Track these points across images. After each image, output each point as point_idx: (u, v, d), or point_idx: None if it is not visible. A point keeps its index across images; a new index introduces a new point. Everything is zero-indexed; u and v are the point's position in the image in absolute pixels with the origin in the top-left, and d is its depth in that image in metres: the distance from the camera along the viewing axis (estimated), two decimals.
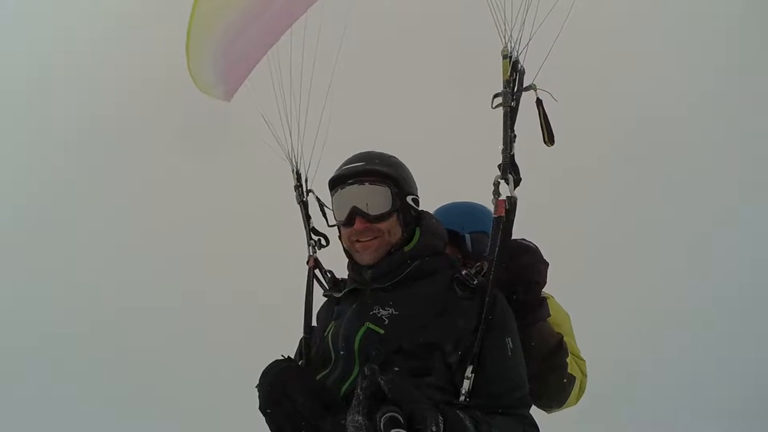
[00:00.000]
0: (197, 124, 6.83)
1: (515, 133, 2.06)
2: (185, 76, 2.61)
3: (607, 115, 7.13)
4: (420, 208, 2.22)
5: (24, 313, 5.98)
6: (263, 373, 1.97)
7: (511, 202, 2.04)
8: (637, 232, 7.23)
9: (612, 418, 6.19)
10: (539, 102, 2.06)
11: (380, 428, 1.56)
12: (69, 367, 5.24)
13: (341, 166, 2.18)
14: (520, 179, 2.07)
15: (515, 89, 2.06)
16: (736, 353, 6.77)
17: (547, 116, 2.06)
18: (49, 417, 5.03)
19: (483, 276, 2.05)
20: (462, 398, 1.84)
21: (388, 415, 1.58)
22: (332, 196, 2.16)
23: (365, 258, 2.07)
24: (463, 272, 2.06)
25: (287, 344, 2.25)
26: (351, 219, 2.07)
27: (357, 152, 2.21)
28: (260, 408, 1.92)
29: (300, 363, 2.20)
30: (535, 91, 2.07)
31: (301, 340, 2.28)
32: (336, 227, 2.24)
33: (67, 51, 7.53)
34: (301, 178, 2.58)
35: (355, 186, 2.08)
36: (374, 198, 2.06)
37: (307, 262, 2.44)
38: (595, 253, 7.12)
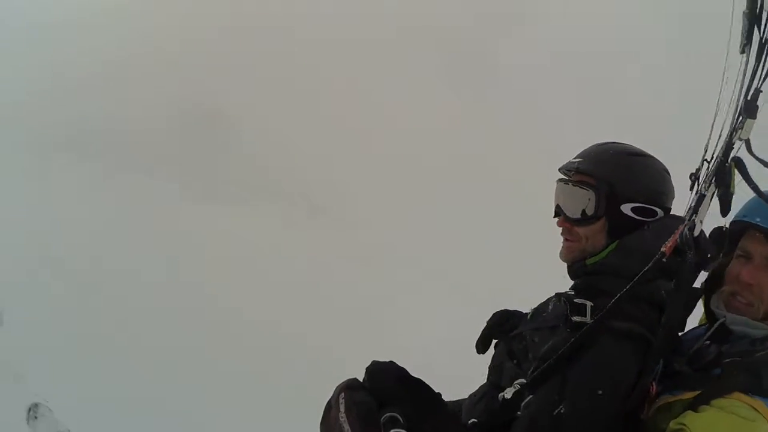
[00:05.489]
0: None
1: None
2: None
3: None
4: (655, 218, 1.88)
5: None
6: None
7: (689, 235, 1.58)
8: None
9: None
10: None
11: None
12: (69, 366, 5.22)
13: None
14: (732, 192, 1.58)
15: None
16: None
17: None
18: None
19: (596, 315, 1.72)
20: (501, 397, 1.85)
21: (387, 415, 1.60)
22: None
23: (560, 255, 2.01)
24: (576, 301, 1.81)
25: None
26: (557, 213, 2.00)
27: (600, 143, 2.04)
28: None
29: None
30: None
31: None
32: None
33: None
34: None
35: (561, 184, 1.99)
36: (574, 201, 1.93)
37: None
38: None
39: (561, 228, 1.98)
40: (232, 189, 7.40)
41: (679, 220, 1.75)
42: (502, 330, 2.13)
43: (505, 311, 2.21)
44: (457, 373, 3.80)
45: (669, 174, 1.97)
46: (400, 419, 1.62)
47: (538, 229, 6.43)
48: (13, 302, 4.84)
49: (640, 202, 1.88)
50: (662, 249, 1.57)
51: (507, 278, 5.58)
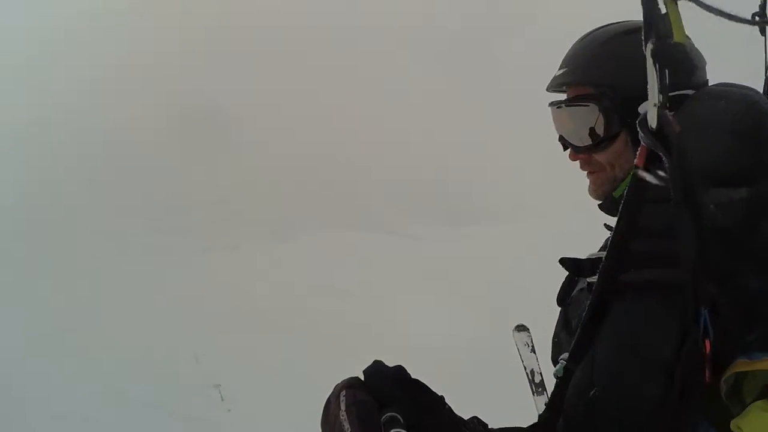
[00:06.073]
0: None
1: None
2: None
3: None
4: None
5: None
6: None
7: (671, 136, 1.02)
8: None
9: None
10: None
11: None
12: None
13: None
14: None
15: None
16: None
17: None
18: None
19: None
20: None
21: (388, 415, 1.60)
22: None
23: (590, 193, 1.58)
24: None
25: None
26: (564, 146, 1.57)
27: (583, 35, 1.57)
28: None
29: None
30: None
31: None
32: None
33: None
34: None
35: (553, 108, 1.55)
36: (576, 125, 1.48)
37: None
38: None
39: (578, 162, 1.55)
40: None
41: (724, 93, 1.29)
42: (569, 289, 1.73)
43: (576, 261, 1.62)
44: (457, 373, 3.82)
45: (687, 38, 1.45)
46: (401, 419, 1.61)
47: (539, 229, 6.49)
48: None
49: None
50: (634, 162, 1.13)
51: (508, 279, 5.58)
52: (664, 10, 0.97)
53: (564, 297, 1.78)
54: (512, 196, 6.99)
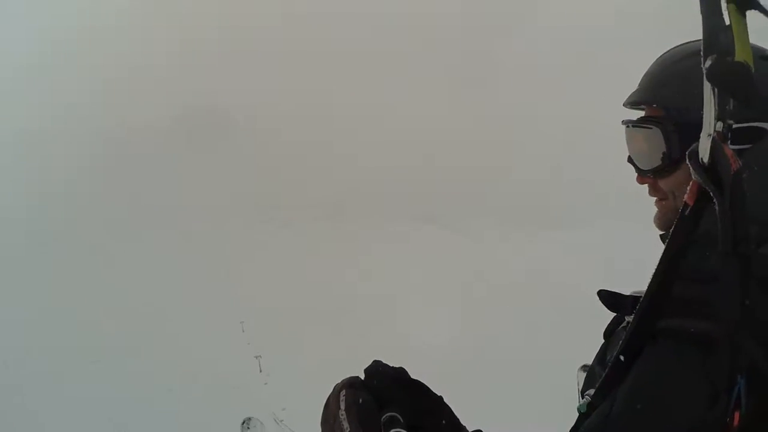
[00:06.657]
0: None
1: None
2: None
3: None
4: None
5: None
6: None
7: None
8: None
9: None
10: None
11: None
12: None
13: None
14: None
15: None
16: None
17: None
18: None
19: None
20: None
21: (388, 415, 1.60)
22: None
23: (654, 222, 1.47)
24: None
25: None
26: (636, 169, 1.47)
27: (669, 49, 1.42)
28: None
29: None
30: None
31: None
32: None
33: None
34: None
35: (625, 128, 1.47)
36: (641, 147, 1.41)
37: None
38: None
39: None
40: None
41: None
42: (616, 322, 1.61)
43: (617, 297, 1.49)
44: (458, 374, 3.82)
45: None
46: (401, 419, 1.61)
47: (541, 229, 6.48)
48: None
49: (735, 122, 1.15)
50: (684, 198, 0.98)
51: (509, 279, 5.58)
52: (728, 22, 0.82)
53: (611, 330, 1.62)
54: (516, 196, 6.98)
